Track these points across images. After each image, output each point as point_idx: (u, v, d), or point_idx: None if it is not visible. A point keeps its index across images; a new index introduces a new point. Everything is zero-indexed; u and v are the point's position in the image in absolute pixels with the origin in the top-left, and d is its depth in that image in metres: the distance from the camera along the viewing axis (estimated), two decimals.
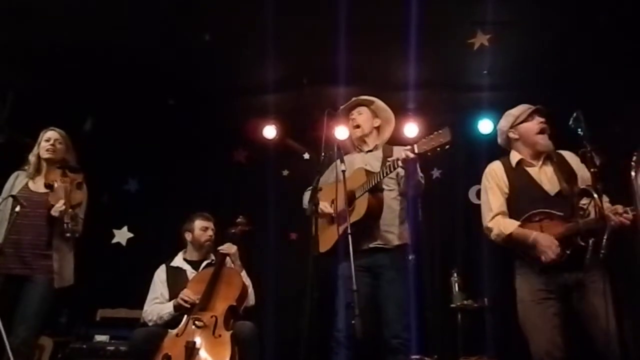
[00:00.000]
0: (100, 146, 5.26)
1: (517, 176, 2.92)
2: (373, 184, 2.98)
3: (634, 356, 2.50)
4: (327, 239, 3.13)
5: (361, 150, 3.35)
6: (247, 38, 4.30)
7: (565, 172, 2.81)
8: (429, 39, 4.17)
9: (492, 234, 2.91)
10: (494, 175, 2.99)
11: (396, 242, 3.10)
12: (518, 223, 2.81)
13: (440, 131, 2.76)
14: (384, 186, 3.13)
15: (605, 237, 2.42)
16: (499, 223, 2.88)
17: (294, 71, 4.80)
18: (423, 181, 3.14)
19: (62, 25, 4.12)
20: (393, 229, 3.11)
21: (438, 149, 2.75)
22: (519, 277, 2.87)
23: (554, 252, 2.63)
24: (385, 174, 2.95)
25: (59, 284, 3.25)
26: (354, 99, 3.36)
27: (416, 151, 2.80)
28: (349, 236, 2.59)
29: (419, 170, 3.00)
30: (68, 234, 3.21)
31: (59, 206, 3.20)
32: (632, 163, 2.58)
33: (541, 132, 2.92)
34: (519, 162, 2.96)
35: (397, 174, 3.16)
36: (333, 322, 3.00)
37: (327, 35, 4.24)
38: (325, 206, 3.08)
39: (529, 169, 2.92)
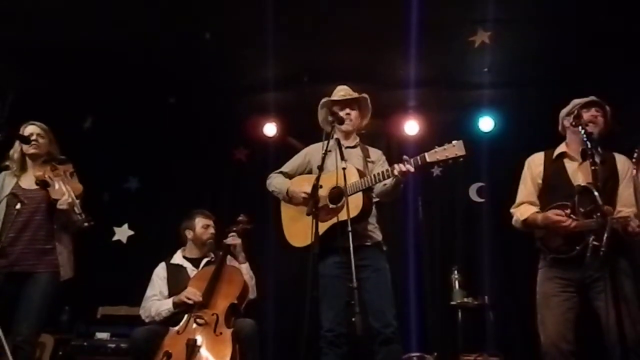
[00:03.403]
0: (101, 144, 5.27)
1: (554, 169, 2.96)
2: (369, 185, 2.94)
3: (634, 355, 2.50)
4: (300, 232, 3.05)
5: (342, 144, 3.24)
6: (248, 36, 4.29)
7: (606, 172, 2.75)
8: (430, 37, 4.17)
9: (513, 220, 3.03)
10: (530, 165, 3.07)
11: (375, 239, 3.12)
12: (535, 210, 2.89)
13: (454, 143, 2.72)
14: None
15: (605, 235, 2.43)
16: (518, 210, 2.99)
17: (294, 69, 4.79)
18: (400, 192, 3.07)
19: (62, 24, 4.12)
20: (372, 228, 3.13)
21: (450, 161, 2.72)
22: (540, 271, 2.92)
23: (565, 223, 2.68)
24: (385, 177, 2.89)
25: (64, 276, 3.23)
26: (348, 92, 3.29)
27: (427, 160, 2.75)
28: (349, 233, 2.57)
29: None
30: (85, 224, 3.14)
31: (65, 198, 3.13)
32: (633, 161, 2.59)
33: (593, 121, 2.86)
34: (560, 155, 2.97)
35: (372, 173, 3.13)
36: (319, 324, 2.96)
37: (328, 33, 4.24)
38: (303, 193, 3.03)
39: (568, 163, 2.93)
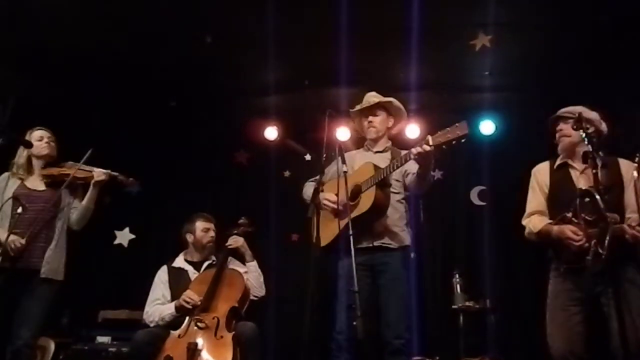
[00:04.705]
0: (102, 147, 5.26)
1: (558, 177, 2.97)
2: (382, 177, 2.92)
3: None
4: (328, 233, 3.07)
5: (369, 150, 3.31)
6: (249, 40, 4.30)
7: (610, 178, 2.75)
8: (431, 40, 4.17)
9: (525, 232, 3.01)
10: (537, 175, 3.07)
11: (400, 243, 3.07)
12: (548, 221, 2.87)
13: (457, 125, 2.70)
14: (391, 188, 3.07)
15: (607, 238, 2.42)
16: (531, 221, 2.97)
17: (295, 72, 4.80)
18: (432, 179, 3.04)
19: (63, 28, 4.13)
20: (397, 230, 3.08)
21: (454, 142, 2.68)
22: (551, 280, 2.92)
23: (577, 239, 2.65)
24: (395, 167, 2.90)
25: (46, 274, 3.21)
26: (372, 99, 3.28)
27: (431, 143, 2.71)
28: (350, 237, 2.59)
29: (432, 165, 2.90)
30: (130, 179, 3.59)
31: (99, 170, 3.43)
32: (635, 164, 2.59)
33: (559, 139, 2.96)
34: (563, 164, 2.98)
35: (404, 173, 3.12)
36: (333, 324, 2.97)
37: (329, 37, 4.24)
38: (329, 198, 3.02)
39: (572, 171, 2.94)
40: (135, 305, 4.16)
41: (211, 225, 3.85)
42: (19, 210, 3.20)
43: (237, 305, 3.47)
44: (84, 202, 3.43)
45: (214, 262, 3.77)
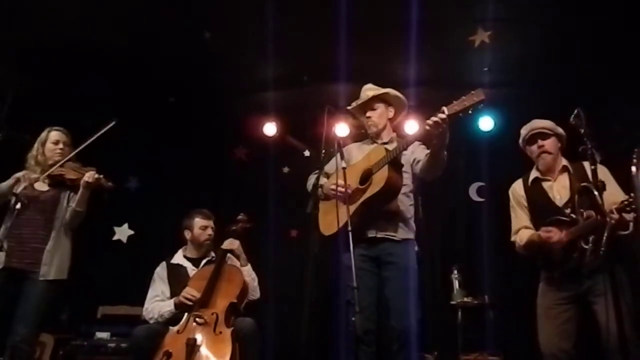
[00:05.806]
0: (100, 144, 5.26)
1: (534, 192, 3.07)
2: (394, 155, 2.89)
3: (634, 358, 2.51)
4: (333, 222, 3.01)
5: (375, 142, 3.28)
6: (248, 35, 4.30)
7: (580, 182, 2.81)
8: (430, 36, 4.17)
9: (516, 247, 3.09)
10: (515, 193, 3.17)
11: (404, 236, 3.06)
12: (532, 232, 2.95)
13: (472, 92, 2.64)
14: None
15: (605, 234, 2.43)
16: (519, 236, 3.06)
17: (294, 68, 4.79)
18: (445, 161, 2.96)
19: (62, 24, 4.12)
20: (402, 223, 3.06)
21: (470, 110, 2.64)
22: (541, 284, 2.99)
23: (557, 236, 2.74)
24: (406, 146, 2.89)
25: (45, 276, 3.21)
26: (367, 93, 3.26)
27: (446, 112, 2.68)
28: (349, 232, 2.58)
29: (447, 137, 2.83)
30: (109, 183, 3.48)
31: (90, 173, 3.35)
32: (633, 160, 2.59)
33: (540, 155, 3.04)
34: (535, 179, 3.08)
35: (413, 161, 3.09)
36: (332, 320, 2.97)
37: (328, 33, 4.24)
38: (338, 183, 2.92)
39: (544, 184, 3.04)
40: (134, 301, 4.17)
41: (209, 223, 3.84)
42: (18, 206, 3.21)
43: (235, 301, 3.47)
44: (74, 204, 3.35)
45: (212, 258, 3.76)
